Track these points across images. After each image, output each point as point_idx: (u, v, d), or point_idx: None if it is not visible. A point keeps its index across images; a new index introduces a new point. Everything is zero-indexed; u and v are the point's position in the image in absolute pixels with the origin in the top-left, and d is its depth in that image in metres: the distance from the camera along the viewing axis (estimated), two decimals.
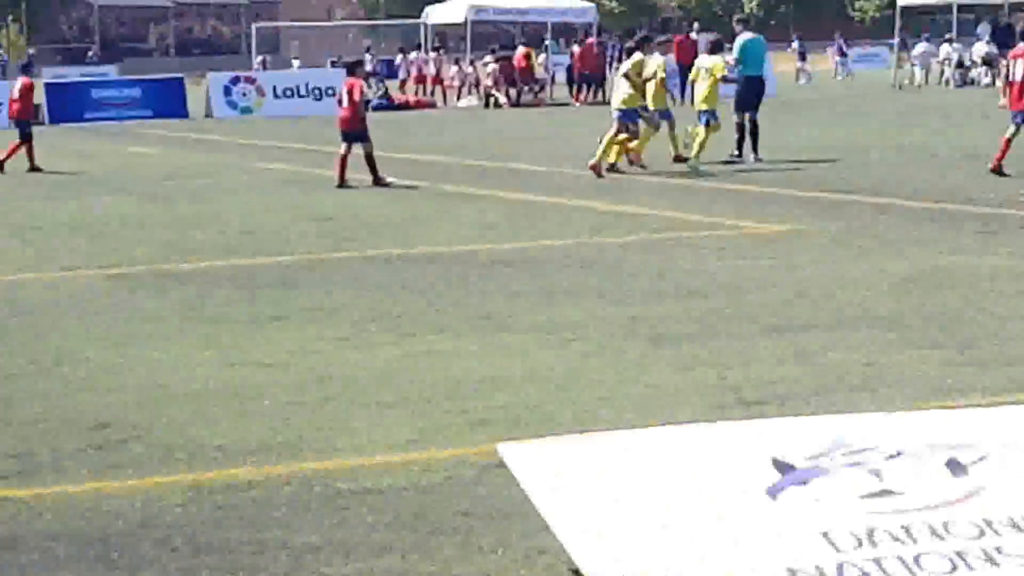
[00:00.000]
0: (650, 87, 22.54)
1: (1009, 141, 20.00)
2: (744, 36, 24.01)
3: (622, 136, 22.02)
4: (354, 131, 21.02)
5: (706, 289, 11.70)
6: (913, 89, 49.81)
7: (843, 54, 64.92)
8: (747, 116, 23.09)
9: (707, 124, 22.31)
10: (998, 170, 19.67)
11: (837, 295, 11.28)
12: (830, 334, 9.81)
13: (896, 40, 54.44)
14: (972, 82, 51.96)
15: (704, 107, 22.52)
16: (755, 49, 23.89)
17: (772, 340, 9.66)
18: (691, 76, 23.42)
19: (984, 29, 54.91)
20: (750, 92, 23.28)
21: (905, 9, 55.66)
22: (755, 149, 22.92)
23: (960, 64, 52.88)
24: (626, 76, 22.36)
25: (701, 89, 22.73)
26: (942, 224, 15.29)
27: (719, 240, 14.63)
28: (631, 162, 22.37)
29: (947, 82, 51.82)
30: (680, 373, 8.81)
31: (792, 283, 11.88)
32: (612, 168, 21.74)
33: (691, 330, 10.07)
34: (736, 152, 23.13)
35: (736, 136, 23.03)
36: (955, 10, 55.10)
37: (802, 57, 62.47)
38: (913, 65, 52.91)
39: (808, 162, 22.74)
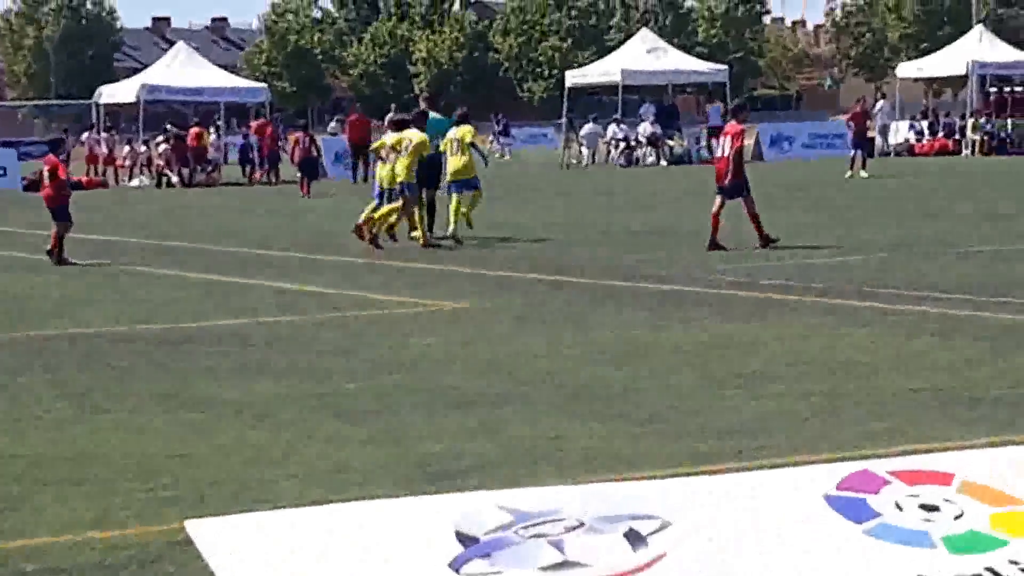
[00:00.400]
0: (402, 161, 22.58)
1: (717, 215, 20.74)
2: (432, 115, 24.21)
3: (386, 208, 22.34)
4: (60, 207, 20.81)
5: (394, 365, 11.74)
6: (580, 169, 50.85)
7: (506, 133, 66.35)
8: (431, 193, 23.26)
9: (460, 192, 23.03)
10: (716, 245, 20.41)
11: (522, 369, 11.43)
12: (516, 408, 9.92)
13: (564, 120, 55.70)
14: (637, 161, 53.42)
15: (461, 177, 23.20)
16: (438, 127, 24.04)
17: (459, 414, 9.73)
18: (441, 147, 23.51)
19: (648, 110, 56.70)
20: (432, 170, 23.36)
21: (572, 90, 57.10)
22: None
23: (626, 144, 54.27)
24: (395, 149, 22.58)
25: (452, 160, 23.31)
26: (623, 299, 15.63)
27: (406, 317, 14.72)
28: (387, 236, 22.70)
29: (614, 161, 52.87)
30: (368, 448, 8.81)
31: (478, 358, 12.00)
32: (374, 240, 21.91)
33: (379, 406, 10.09)
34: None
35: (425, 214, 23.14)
36: (620, 91, 56.76)
37: (504, 132, 64.32)
38: (580, 145, 53.99)
39: (490, 239, 23.02)
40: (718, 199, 21.09)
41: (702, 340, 12.67)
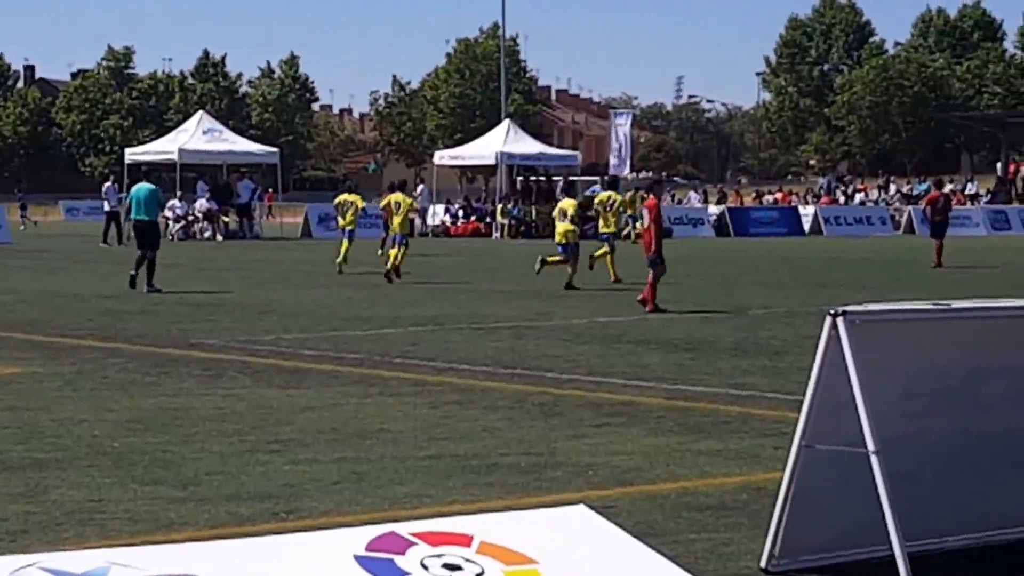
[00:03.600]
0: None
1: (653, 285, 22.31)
2: None
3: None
4: None
5: None
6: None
7: (24, 207, 66.22)
8: None
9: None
10: (655, 309, 21.92)
11: (68, 434, 11.11)
12: (60, 472, 9.63)
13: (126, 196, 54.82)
14: (195, 235, 52.97)
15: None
16: None
17: (3, 478, 9.39)
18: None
19: (203, 187, 56.44)
20: None
21: (132, 166, 56.37)
22: None
23: (184, 218, 53.75)
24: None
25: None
26: (168, 367, 15.40)
27: None
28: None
29: (171, 235, 52.08)
30: None
31: (24, 422, 11.62)
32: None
33: None
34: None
35: None
36: (178, 168, 56.27)
37: (23, 207, 63.71)
38: None
39: (18, 304, 22.40)
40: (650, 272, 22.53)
41: (241, 407, 12.58)
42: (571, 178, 53.75)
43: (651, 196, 23.68)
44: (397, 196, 31.70)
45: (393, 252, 30.51)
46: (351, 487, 9.25)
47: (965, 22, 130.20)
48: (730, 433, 11.26)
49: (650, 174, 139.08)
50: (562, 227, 28.28)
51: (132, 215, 27.48)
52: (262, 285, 28.61)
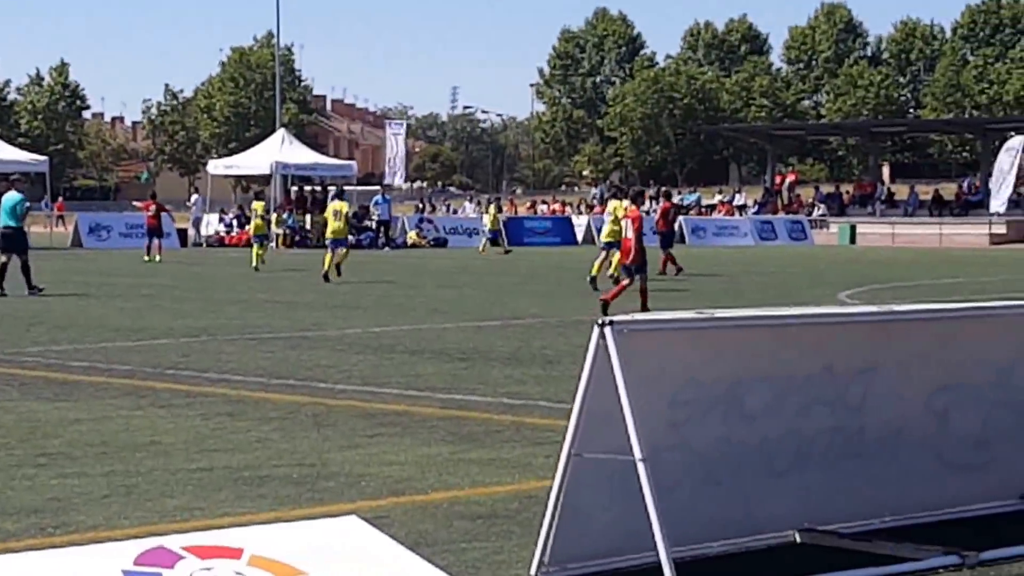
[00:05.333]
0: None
1: (643, 291, 23.64)
2: None
3: None
4: None
5: None
6: None
7: None
8: None
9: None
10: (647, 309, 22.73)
11: None
12: None
13: None
14: None
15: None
16: None
17: None
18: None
19: None
20: None
21: None
22: None
23: None
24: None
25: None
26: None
27: None
28: None
29: None
30: None
31: None
32: None
33: None
34: None
35: None
36: None
37: None
38: None
39: None
40: (638, 279, 23.75)
41: (8, 420, 12.27)
42: (346, 187, 53.94)
43: (635, 206, 24.98)
44: (336, 204, 35.54)
45: (329, 258, 33.71)
46: (120, 501, 9.09)
47: (732, 36, 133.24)
48: (503, 442, 11.33)
49: (425, 184, 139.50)
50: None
51: None
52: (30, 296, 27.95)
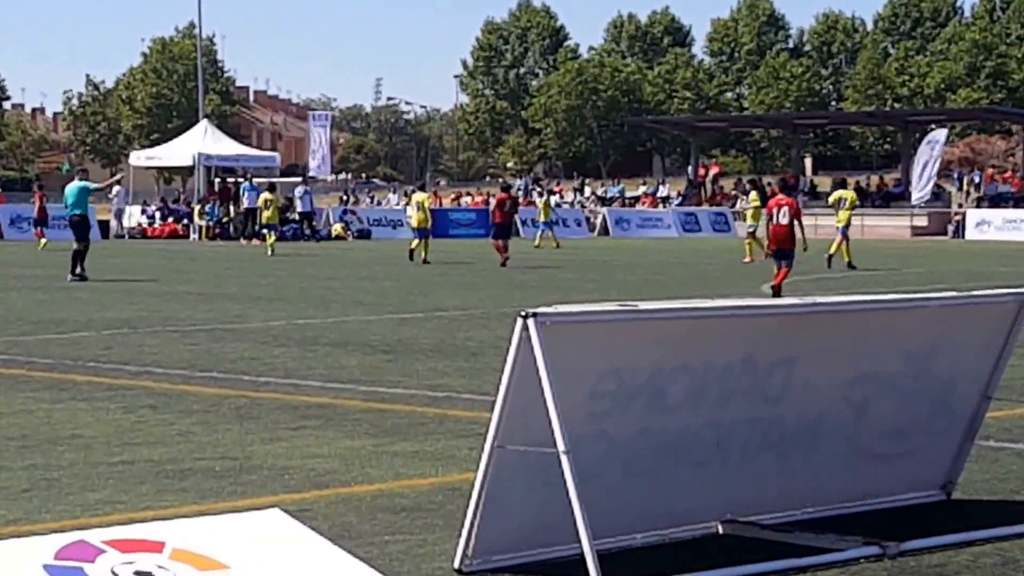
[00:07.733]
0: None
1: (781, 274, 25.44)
2: None
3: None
4: None
5: None
6: None
7: None
8: None
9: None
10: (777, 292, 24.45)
11: None
12: None
13: None
14: None
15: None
16: None
17: None
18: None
19: None
20: None
21: None
22: None
23: None
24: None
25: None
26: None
27: None
28: None
29: None
30: None
31: None
32: None
33: None
34: None
35: None
36: None
37: None
38: None
39: None
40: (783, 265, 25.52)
41: None
42: (272, 180, 54.02)
43: (789, 197, 26.47)
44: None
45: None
46: (41, 495, 9.02)
47: (655, 27, 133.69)
48: (426, 435, 11.33)
49: (349, 176, 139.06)
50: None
51: None
52: None
